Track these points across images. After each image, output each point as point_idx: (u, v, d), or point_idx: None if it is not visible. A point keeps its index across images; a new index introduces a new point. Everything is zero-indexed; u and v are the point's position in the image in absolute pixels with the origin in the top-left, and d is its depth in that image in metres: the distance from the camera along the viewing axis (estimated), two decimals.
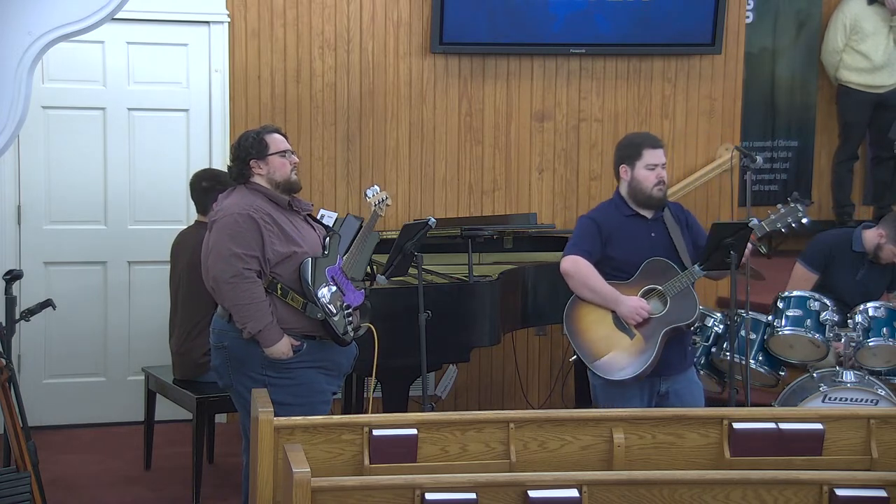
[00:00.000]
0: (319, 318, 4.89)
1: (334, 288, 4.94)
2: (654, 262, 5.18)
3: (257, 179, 4.99)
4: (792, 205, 5.35)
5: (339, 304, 4.94)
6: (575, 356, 5.47)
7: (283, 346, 4.88)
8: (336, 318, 4.92)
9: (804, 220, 5.11)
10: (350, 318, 4.99)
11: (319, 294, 4.89)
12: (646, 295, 5.17)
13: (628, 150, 5.28)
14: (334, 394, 5.13)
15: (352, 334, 5.01)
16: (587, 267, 5.21)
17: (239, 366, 4.96)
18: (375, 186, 5.34)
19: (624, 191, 5.30)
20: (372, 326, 5.11)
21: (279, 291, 4.88)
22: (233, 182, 5.05)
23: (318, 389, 4.98)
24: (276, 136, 5.03)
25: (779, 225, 5.36)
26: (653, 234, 5.23)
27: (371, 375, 5.30)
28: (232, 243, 4.82)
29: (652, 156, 5.21)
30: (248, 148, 4.98)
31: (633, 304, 5.14)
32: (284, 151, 5.00)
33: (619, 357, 5.16)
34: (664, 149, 5.28)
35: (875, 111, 8.35)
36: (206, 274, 4.93)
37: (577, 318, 5.27)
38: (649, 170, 5.20)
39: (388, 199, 5.32)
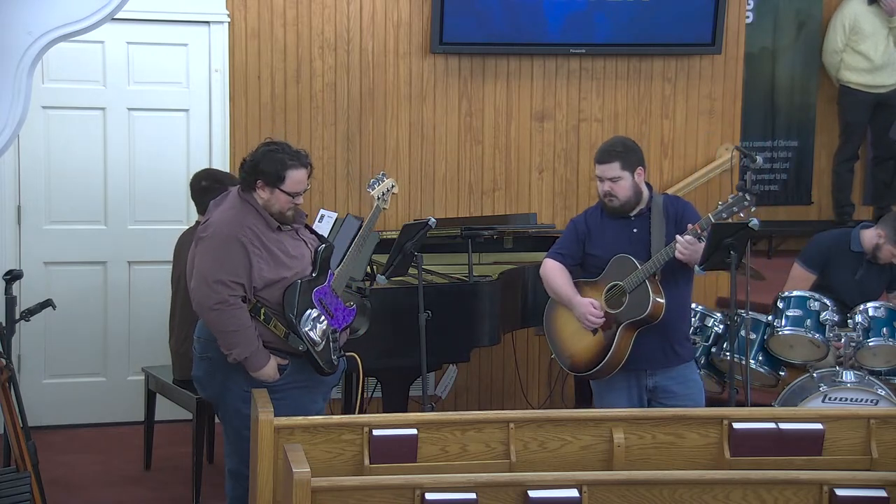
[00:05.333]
0: (301, 350, 4.80)
1: (318, 314, 4.82)
2: (619, 258, 5.20)
3: (257, 197, 4.85)
4: (739, 194, 5.20)
5: (324, 331, 4.84)
6: (553, 356, 5.52)
7: (269, 370, 4.80)
8: (320, 349, 4.84)
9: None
10: (335, 344, 4.90)
11: (304, 317, 4.80)
12: (611, 291, 5.20)
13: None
14: (324, 400, 5.08)
15: (336, 363, 4.91)
16: (553, 269, 5.31)
17: (223, 379, 4.88)
18: (381, 174, 5.28)
19: None
20: (357, 357, 5.03)
21: (262, 317, 4.77)
22: (232, 182, 4.99)
23: (304, 409, 4.82)
24: (299, 173, 4.83)
25: (724, 215, 5.18)
26: (634, 231, 5.23)
27: (369, 376, 5.29)
28: (217, 269, 4.71)
29: (597, 168, 5.26)
30: (264, 169, 4.81)
31: (583, 308, 5.20)
32: (295, 194, 4.84)
33: (584, 354, 5.24)
34: (613, 162, 5.18)
35: (875, 111, 8.36)
36: (191, 295, 4.83)
37: (551, 318, 5.40)
38: (598, 181, 5.26)
39: (395, 188, 5.25)
